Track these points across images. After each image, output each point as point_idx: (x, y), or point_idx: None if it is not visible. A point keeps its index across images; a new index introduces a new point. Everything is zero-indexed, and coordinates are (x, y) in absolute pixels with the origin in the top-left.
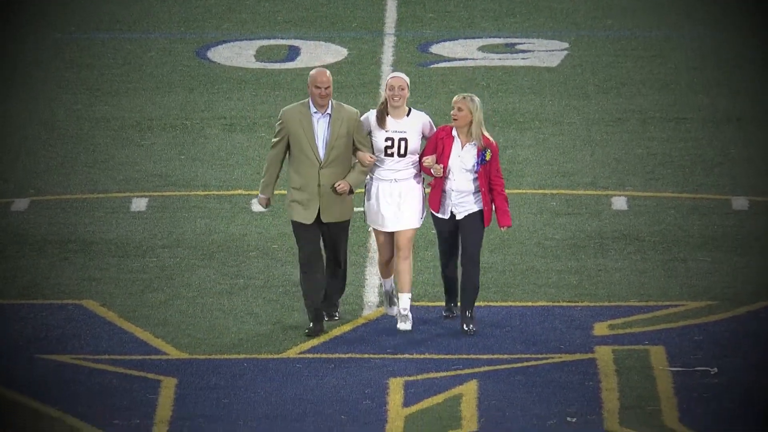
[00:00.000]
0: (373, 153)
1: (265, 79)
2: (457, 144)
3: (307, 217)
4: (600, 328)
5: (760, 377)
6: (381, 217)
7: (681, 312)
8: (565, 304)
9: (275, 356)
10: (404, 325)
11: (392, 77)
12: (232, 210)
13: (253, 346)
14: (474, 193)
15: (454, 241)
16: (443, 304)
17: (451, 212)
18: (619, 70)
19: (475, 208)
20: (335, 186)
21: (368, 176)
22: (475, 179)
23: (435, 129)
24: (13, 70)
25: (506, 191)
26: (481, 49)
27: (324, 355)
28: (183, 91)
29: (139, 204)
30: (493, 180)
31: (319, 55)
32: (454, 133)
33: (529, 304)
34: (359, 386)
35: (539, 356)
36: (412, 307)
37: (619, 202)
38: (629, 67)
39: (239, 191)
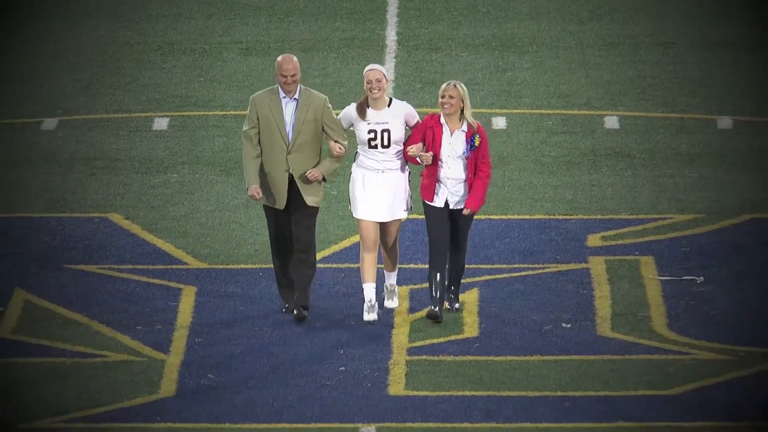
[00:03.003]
0: (346, 139)
1: (280, 6)
2: (446, 131)
3: (278, 202)
4: (593, 240)
5: (744, 285)
6: (369, 207)
7: (669, 224)
8: (560, 217)
9: None
10: (391, 303)
11: (369, 70)
12: None
13: (267, 257)
14: (467, 181)
15: (446, 230)
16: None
17: (446, 200)
18: None
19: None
20: (307, 174)
21: (354, 166)
22: (466, 166)
23: (418, 117)
24: None
25: (505, 111)
26: None
27: (334, 265)
28: (202, 17)
29: (161, 123)
30: (479, 165)
31: None
32: (442, 120)
33: (527, 217)
34: None
35: (536, 266)
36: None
37: (612, 122)
38: None
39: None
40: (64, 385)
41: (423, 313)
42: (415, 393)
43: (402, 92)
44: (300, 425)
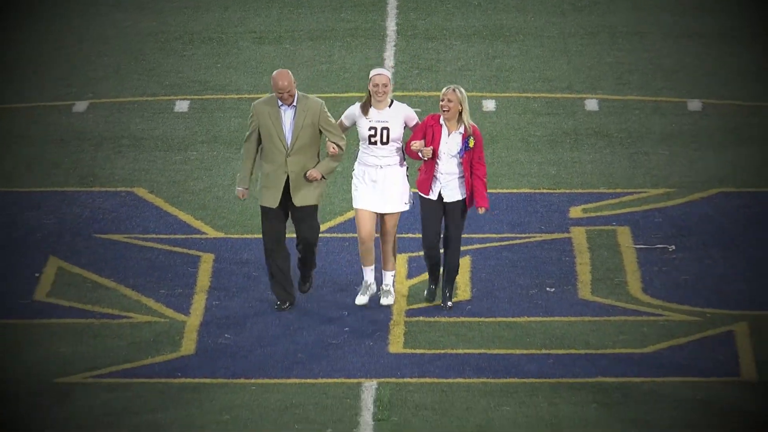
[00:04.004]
0: (343, 139)
1: None
2: (444, 132)
3: (273, 202)
4: (575, 212)
5: (711, 253)
6: (368, 199)
7: (644, 198)
8: (545, 191)
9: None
10: (386, 300)
11: (376, 74)
12: None
13: None
14: (459, 177)
15: (438, 222)
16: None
17: (439, 194)
18: None
19: (461, 195)
20: (306, 174)
21: (356, 163)
22: (459, 164)
23: (417, 119)
24: None
25: (495, 94)
26: None
27: (339, 235)
28: (219, 9)
29: (182, 106)
30: (475, 165)
31: None
32: (442, 121)
33: (514, 190)
34: None
35: (523, 236)
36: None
37: (591, 104)
38: None
39: (268, 95)
40: (94, 343)
41: (420, 278)
42: (413, 351)
43: (401, 78)
44: (308, 380)
